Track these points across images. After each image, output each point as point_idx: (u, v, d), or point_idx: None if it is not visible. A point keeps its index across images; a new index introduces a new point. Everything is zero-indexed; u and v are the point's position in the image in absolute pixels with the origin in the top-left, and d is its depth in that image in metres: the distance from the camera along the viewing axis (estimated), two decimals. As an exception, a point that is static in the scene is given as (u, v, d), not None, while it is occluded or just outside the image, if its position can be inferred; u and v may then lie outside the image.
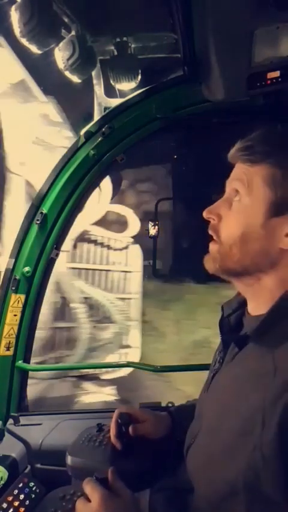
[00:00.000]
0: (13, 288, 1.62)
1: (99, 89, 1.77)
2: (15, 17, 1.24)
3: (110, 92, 1.74)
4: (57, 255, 1.73)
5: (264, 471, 0.59)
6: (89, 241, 4.88)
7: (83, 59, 1.39)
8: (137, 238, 5.22)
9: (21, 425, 1.55)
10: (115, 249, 5.11)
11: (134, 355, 5.02)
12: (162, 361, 5.65)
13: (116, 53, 1.48)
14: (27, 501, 1.18)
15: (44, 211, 1.63)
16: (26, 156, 3.29)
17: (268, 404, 0.61)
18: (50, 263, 1.72)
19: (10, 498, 1.17)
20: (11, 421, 1.56)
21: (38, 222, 1.62)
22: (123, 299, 4.98)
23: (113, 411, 1.03)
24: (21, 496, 1.18)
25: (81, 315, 4.23)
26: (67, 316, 4.58)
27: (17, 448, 1.38)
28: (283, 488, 0.58)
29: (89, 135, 1.64)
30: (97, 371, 4.44)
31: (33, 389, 3.41)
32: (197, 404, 0.91)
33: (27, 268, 1.63)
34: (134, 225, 5.08)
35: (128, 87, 1.56)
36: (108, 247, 5.03)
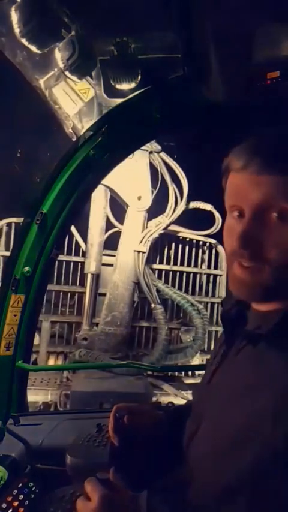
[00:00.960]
0: (13, 288, 1.62)
1: (99, 89, 1.77)
2: (15, 17, 1.25)
3: (110, 92, 1.74)
4: (57, 255, 1.73)
5: (273, 466, 0.59)
6: (172, 241, 4.84)
7: (83, 59, 1.39)
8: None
9: (21, 425, 1.55)
10: (197, 250, 5.06)
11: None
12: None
13: (116, 53, 1.48)
14: (27, 501, 1.18)
15: (44, 211, 1.63)
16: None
17: (280, 400, 0.61)
18: (50, 263, 1.72)
19: (9, 498, 1.16)
20: (11, 421, 1.56)
21: (38, 222, 1.62)
22: (205, 303, 4.96)
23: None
24: (21, 496, 1.18)
25: (160, 315, 4.26)
26: (148, 316, 4.62)
27: (17, 448, 1.38)
28: None
29: (89, 135, 1.64)
30: (181, 373, 4.46)
31: (109, 382, 3.45)
32: (196, 398, 0.91)
33: (27, 268, 1.63)
34: (216, 222, 4.80)
35: (128, 87, 1.56)
36: (190, 247, 4.99)
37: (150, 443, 0.96)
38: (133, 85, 1.56)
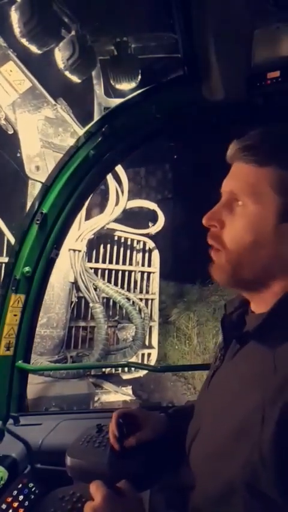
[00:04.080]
0: (13, 288, 1.62)
1: (99, 89, 1.77)
2: (15, 17, 1.24)
3: (110, 92, 1.74)
4: (57, 255, 1.73)
5: (262, 469, 0.59)
6: (107, 240, 4.81)
7: (83, 59, 1.39)
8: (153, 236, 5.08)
9: (21, 425, 1.55)
10: (133, 248, 5.04)
11: (154, 356, 5.02)
12: (186, 363, 5.72)
13: (116, 53, 1.48)
14: (26, 502, 1.18)
15: (44, 211, 1.63)
16: (40, 161, 3.41)
17: (268, 403, 0.61)
18: (50, 263, 1.72)
19: (9, 499, 1.16)
20: (11, 421, 1.56)
21: (38, 222, 1.62)
22: (141, 299, 4.96)
23: (113, 411, 1.02)
24: (20, 497, 1.18)
25: (100, 314, 4.19)
26: (85, 316, 4.59)
27: (17, 448, 1.38)
28: (280, 487, 0.58)
29: (89, 135, 1.64)
30: (118, 370, 4.47)
31: (52, 386, 3.42)
32: (197, 402, 0.91)
33: (27, 268, 1.63)
34: (159, 221, 4.89)
35: (128, 87, 1.56)
36: (126, 246, 4.96)
37: (151, 445, 0.96)
38: (133, 85, 1.55)
